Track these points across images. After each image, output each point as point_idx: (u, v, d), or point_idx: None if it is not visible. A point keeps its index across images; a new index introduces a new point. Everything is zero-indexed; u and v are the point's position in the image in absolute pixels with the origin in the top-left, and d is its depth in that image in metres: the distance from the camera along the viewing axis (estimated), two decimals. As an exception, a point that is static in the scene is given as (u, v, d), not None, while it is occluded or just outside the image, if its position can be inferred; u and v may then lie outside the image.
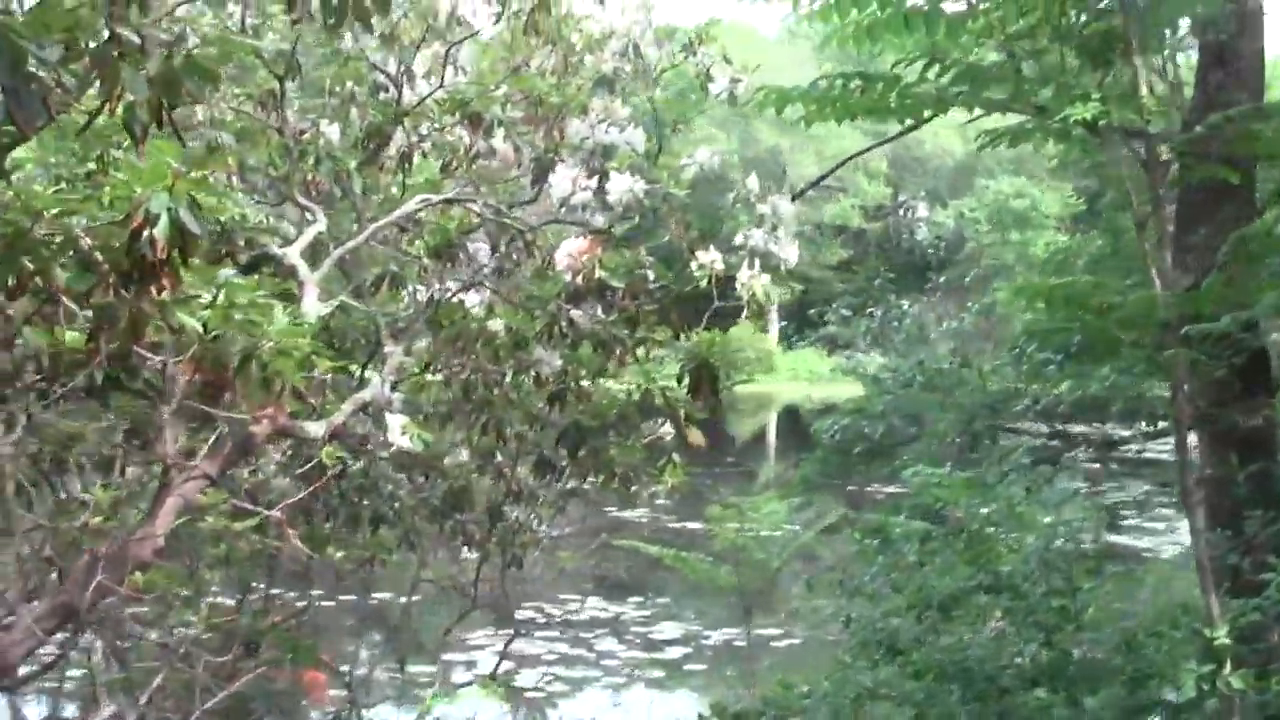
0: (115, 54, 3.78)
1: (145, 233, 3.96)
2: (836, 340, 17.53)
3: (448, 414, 8.64)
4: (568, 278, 6.53)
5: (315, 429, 6.90)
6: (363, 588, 12.10)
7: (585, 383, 7.72)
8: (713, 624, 16.71)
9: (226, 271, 4.78)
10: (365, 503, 9.51)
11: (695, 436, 7.60)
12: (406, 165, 7.87)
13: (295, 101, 7.86)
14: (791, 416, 41.65)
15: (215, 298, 4.28)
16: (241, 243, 7.27)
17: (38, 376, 5.68)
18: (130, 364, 4.98)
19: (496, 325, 7.43)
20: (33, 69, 3.65)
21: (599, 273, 6.46)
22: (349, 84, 8.02)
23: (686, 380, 6.99)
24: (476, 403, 8.27)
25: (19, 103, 3.61)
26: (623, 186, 6.44)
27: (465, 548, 10.23)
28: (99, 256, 4.02)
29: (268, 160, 7.74)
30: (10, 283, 4.01)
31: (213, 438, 6.40)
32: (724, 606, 15.51)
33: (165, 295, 4.20)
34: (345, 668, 11.34)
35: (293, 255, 7.10)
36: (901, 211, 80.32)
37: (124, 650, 10.06)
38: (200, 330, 4.35)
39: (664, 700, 14.62)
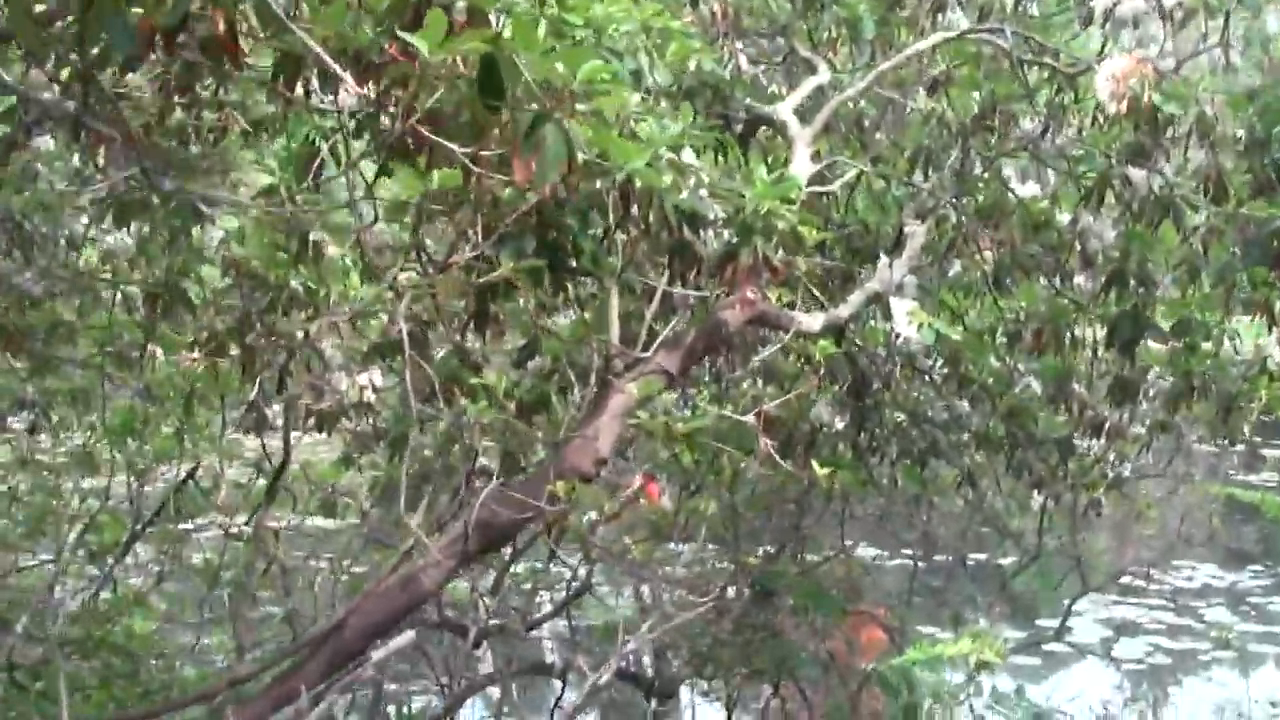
0: None
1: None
2: None
3: (1015, 334, 7.23)
4: (1111, 108, 4.89)
5: (809, 320, 5.60)
6: (918, 534, 10.74)
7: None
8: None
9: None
10: (916, 432, 8.24)
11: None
12: (936, 14, 6.53)
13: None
14: None
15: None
16: (741, 110, 6.18)
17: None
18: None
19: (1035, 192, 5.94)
20: None
21: (1150, 96, 4.79)
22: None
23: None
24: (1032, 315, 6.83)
25: None
26: (1189, -26, 4.78)
27: (1034, 490, 8.68)
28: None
29: (765, 7, 6.59)
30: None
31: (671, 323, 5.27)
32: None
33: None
34: (897, 624, 10.04)
35: (784, 111, 5.95)
36: None
37: (645, 589, 9.22)
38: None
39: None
